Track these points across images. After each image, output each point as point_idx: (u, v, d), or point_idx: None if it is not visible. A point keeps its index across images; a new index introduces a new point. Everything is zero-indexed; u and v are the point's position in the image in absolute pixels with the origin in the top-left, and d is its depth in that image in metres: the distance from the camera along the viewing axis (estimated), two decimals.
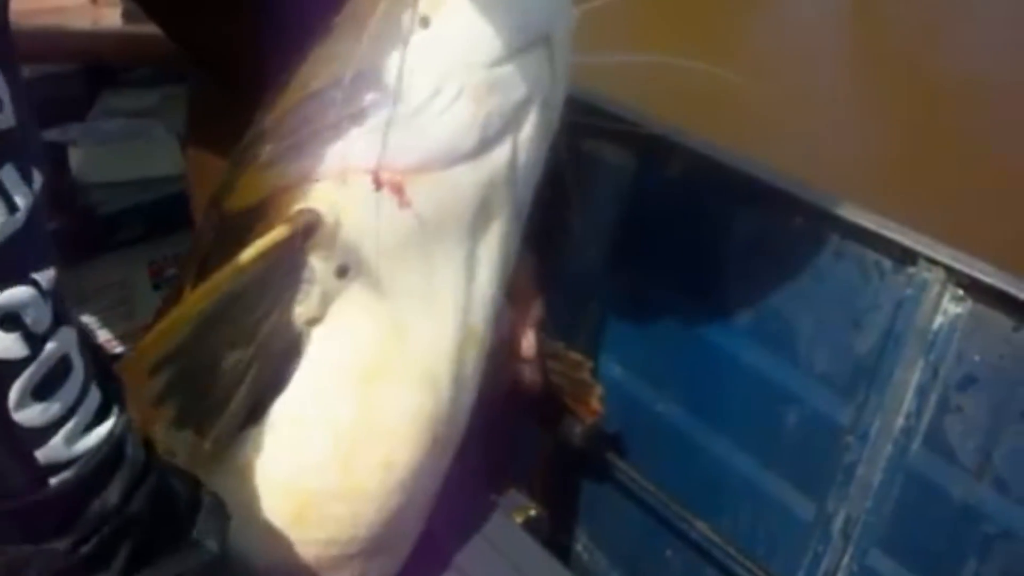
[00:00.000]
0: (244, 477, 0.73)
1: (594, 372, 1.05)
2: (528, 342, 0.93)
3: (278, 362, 0.71)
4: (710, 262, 1.12)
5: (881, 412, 0.96)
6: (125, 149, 1.37)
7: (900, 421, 0.96)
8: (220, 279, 0.68)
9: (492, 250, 0.74)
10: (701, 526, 1.03)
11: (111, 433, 0.55)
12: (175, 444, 0.69)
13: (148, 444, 0.59)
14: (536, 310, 0.93)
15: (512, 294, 0.82)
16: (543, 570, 0.92)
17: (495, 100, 0.68)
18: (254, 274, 0.68)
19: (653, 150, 1.15)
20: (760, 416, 1.08)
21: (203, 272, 0.73)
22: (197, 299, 0.68)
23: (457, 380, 0.77)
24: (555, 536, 1.20)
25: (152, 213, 1.34)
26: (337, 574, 0.78)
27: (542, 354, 0.95)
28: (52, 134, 1.34)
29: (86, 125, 1.40)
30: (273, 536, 0.74)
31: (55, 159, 1.30)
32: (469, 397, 0.79)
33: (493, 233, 0.74)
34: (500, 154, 0.70)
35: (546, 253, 0.93)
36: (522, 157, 0.72)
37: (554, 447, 1.24)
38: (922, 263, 0.93)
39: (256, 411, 0.72)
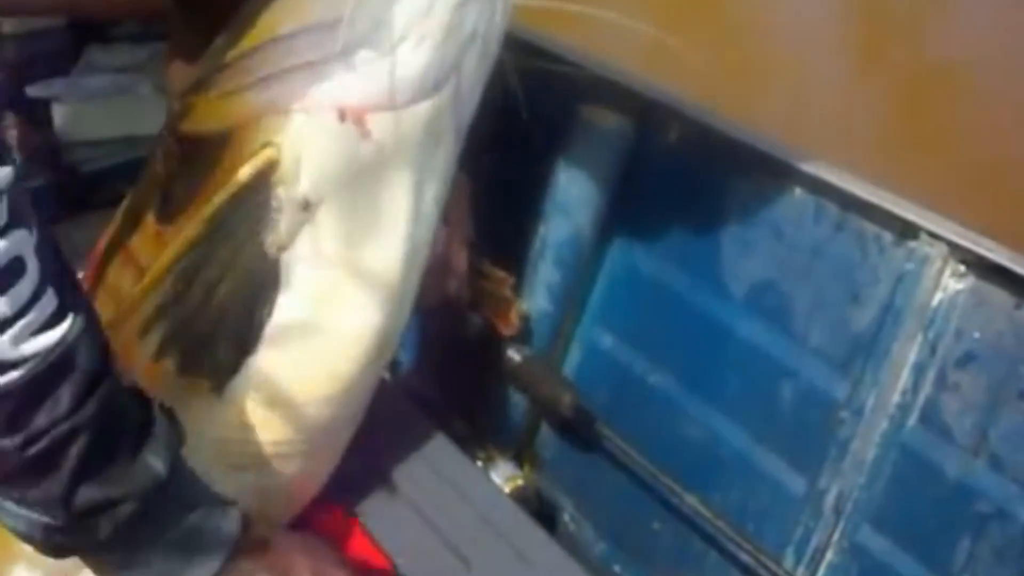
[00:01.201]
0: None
1: (515, 288, 1.12)
2: (459, 258, 1.02)
3: (259, 289, 0.74)
4: (706, 232, 1.10)
5: (877, 388, 0.95)
6: (110, 106, 1.34)
7: (896, 397, 0.94)
8: (192, 228, 0.70)
9: (436, 173, 0.80)
10: (691, 499, 1.02)
11: (63, 339, 0.56)
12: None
13: (107, 356, 0.60)
14: (466, 228, 1.01)
15: (446, 213, 0.86)
16: (530, 540, 0.91)
17: (451, 42, 0.74)
18: (232, 209, 0.71)
19: (651, 117, 1.13)
20: (753, 389, 1.07)
21: (168, 200, 0.75)
22: (173, 251, 0.69)
23: (401, 295, 0.80)
24: (542, 506, 1.19)
25: (138, 171, 1.31)
26: (276, 469, 0.81)
27: (470, 270, 1.03)
28: (36, 89, 1.30)
29: (70, 80, 1.36)
30: (219, 439, 0.77)
31: (39, 115, 1.28)
32: (407, 312, 0.84)
33: (438, 160, 0.79)
34: (447, 89, 0.76)
35: (477, 174, 0.97)
36: (465, 88, 0.78)
37: (542, 417, 1.23)
38: (924, 238, 0.91)
39: (242, 339, 0.75)
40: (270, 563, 0.70)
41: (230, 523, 0.68)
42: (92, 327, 0.59)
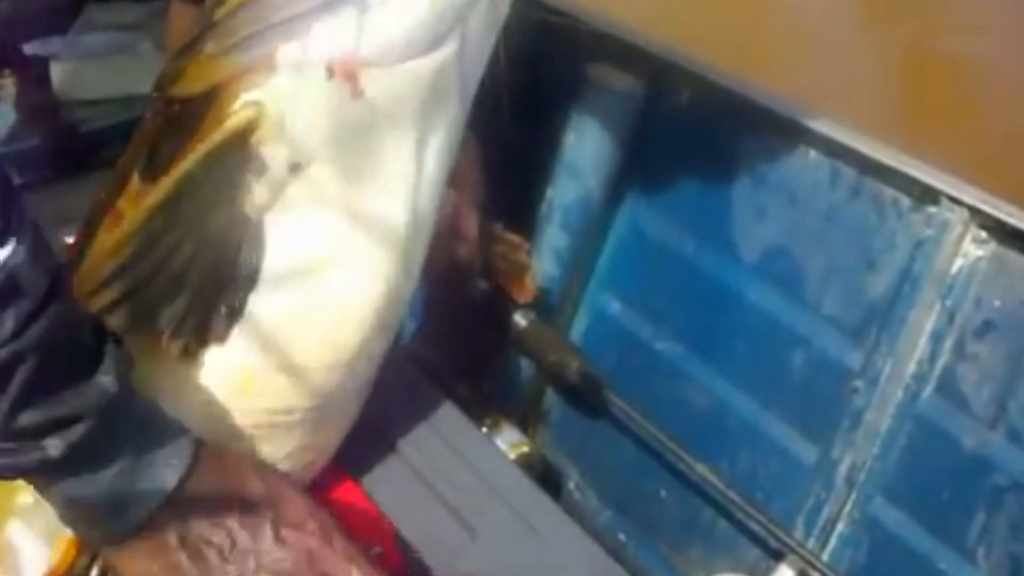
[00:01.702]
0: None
1: (530, 254, 1.07)
2: (468, 222, 0.98)
3: (231, 253, 0.71)
4: (718, 196, 1.08)
5: (892, 357, 0.93)
6: (110, 64, 1.31)
7: (912, 367, 0.92)
8: (167, 183, 0.68)
9: (440, 137, 0.76)
10: (700, 468, 0.99)
11: (4, 263, 0.56)
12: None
13: (57, 286, 0.59)
14: (477, 192, 0.98)
15: (455, 177, 0.83)
16: (536, 507, 0.89)
17: None
18: (204, 171, 0.68)
19: (663, 77, 1.10)
20: (764, 358, 1.05)
21: (153, 160, 0.72)
22: (147, 206, 0.68)
23: (404, 264, 0.77)
24: (547, 474, 1.18)
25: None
26: (277, 441, 0.79)
27: (481, 235, 0.99)
28: (34, 47, 1.28)
29: (69, 39, 1.34)
30: (217, 405, 0.76)
31: (37, 73, 1.25)
32: (413, 279, 0.81)
33: (441, 120, 0.75)
34: (450, 46, 0.72)
35: (488, 137, 0.95)
36: (470, 48, 0.74)
37: (549, 383, 1.21)
38: (944, 202, 0.89)
39: (211, 302, 0.72)
40: (224, 481, 0.69)
41: (185, 441, 0.67)
42: (40, 254, 0.59)
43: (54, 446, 0.60)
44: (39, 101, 1.25)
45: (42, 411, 0.59)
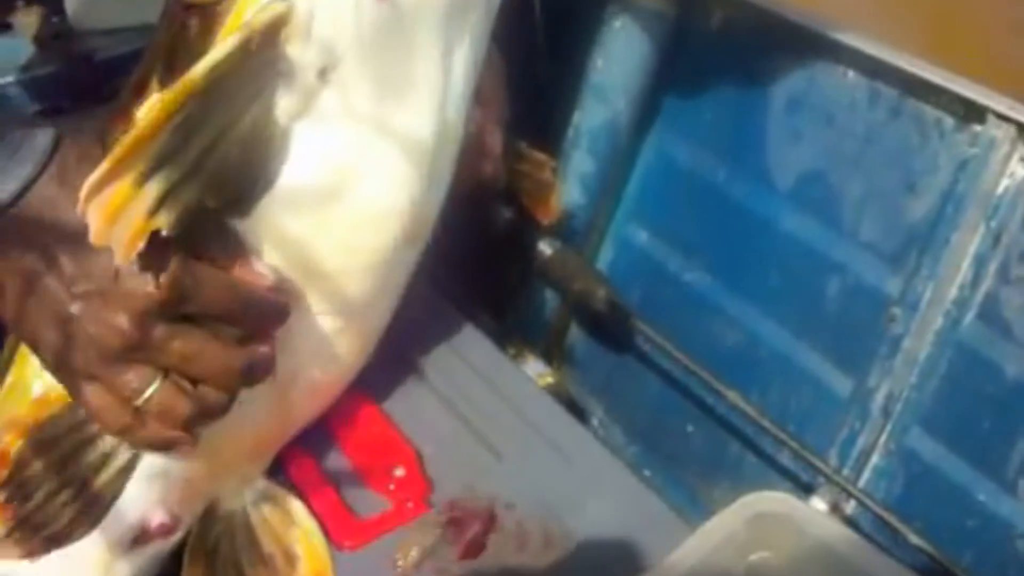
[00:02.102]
0: None
1: (556, 172, 1.02)
2: (493, 139, 0.95)
3: (262, 156, 0.68)
4: (750, 120, 1.04)
5: (933, 282, 0.89)
6: None
7: (953, 292, 0.89)
8: (194, 75, 0.62)
9: (466, 46, 0.73)
10: (731, 395, 0.96)
11: None
12: None
13: None
14: (502, 111, 0.95)
15: (480, 94, 0.81)
16: (564, 431, 0.86)
17: None
18: (233, 67, 0.63)
19: None
20: (797, 287, 1.02)
21: (171, 67, 0.69)
22: (169, 101, 0.62)
23: (431, 178, 0.75)
24: (570, 408, 1.15)
25: None
26: (292, 350, 0.75)
27: (505, 153, 0.96)
28: None
29: None
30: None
31: (51, 1, 1.22)
32: (439, 193, 0.78)
33: (467, 29, 0.73)
34: None
35: (514, 57, 0.92)
36: None
37: (573, 314, 1.18)
38: (991, 120, 0.85)
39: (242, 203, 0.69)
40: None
41: (39, 136, 0.64)
42: None
43: None
44: (54, 29, 1.22)
45: None
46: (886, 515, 0.86)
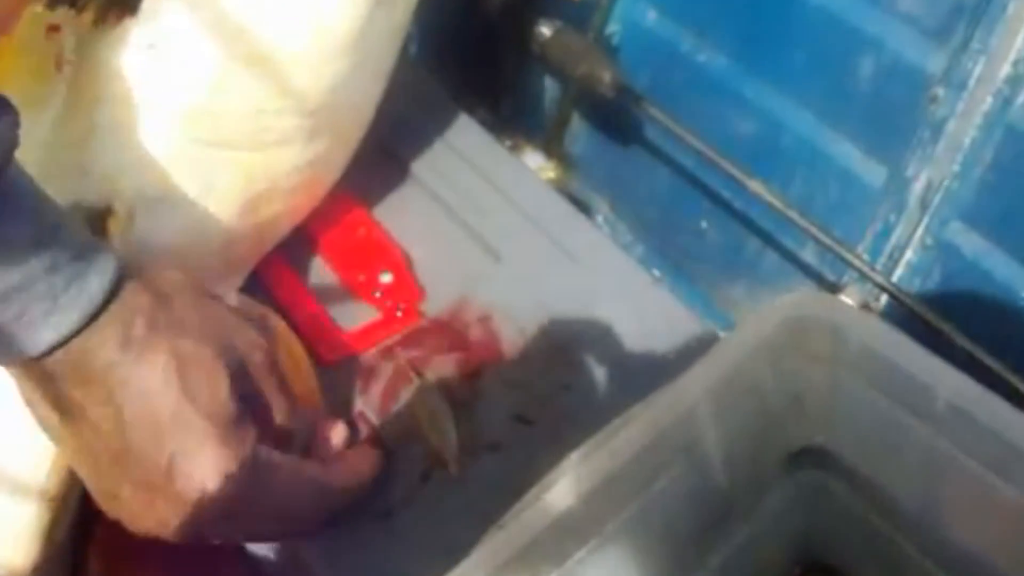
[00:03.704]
0: None
1: None
2: None
3: None
4: None
5: (984, 57, 0.79)
6: None
7: (1006, 68, 0.79)
8: None
9: None
10: (753, 184, 0.87)
11: None
12: None
13: None
14: None
15: None
16: (568, 227, 0.78)
17: None
18: None
19: None
20: (825, 67, 0.91)
21: None
22: None
23: None
24: (573, 204, 1.07)
25: None
26: (271, 155, 0.69)
27: None
28: None
29: None
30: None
31: None
32: None
33: None
34: None
35: None
36: None
37: (577, 101, 1.08)
38: None
39: None
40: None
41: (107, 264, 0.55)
42: None
43: None
44: None
45: None
46: (923, 312, 0.79)
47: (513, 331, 0.73)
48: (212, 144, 0.66)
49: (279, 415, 0.60)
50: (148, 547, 0.82)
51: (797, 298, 0.59)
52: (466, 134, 0.86)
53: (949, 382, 0.55)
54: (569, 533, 0.56)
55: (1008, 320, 0.81)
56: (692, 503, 0.63)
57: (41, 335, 0.52)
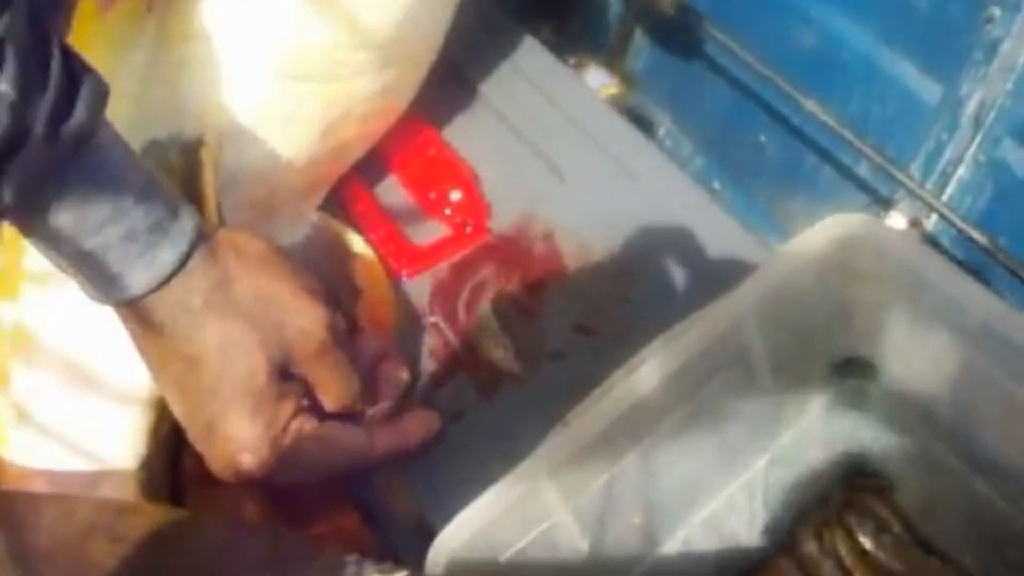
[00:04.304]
0: None
1: None
2: None
3: None
4: None
5: None
6: None
7: None
8: None
9: None
10: (809, 104, 0.89)
11: None
12: None
13: None
14: None
15: None
16: (630, 147, 0.81)
17: None
18: None
19: None
20: None
21: None
22: None
23: None
24: (636, 119, 1.09)
25: None
26: (344, 85, 0.73)
27: None
28: None
29: None
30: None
31: None
32: None
33: None
34: None
35: None
36: None
37: (639, 18, 1.10)
38: None
39: None
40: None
41: (186, 223, 0.60)
42: None
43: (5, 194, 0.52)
44: None
45: None
46: (970, 230, 0.81)
47: (575, 247, 0.77)
48: (294, 76, 0.70)
49: (330, 392, 0.66)
50: None
51: (843, 219, 0.63)
52: (531, 55, 0.89)
53: (982, 302, 0.58)
54: (627, 431, 0.61)
55: None
56: (743, 403, 0.67)
57: (111, 293, 0.59)
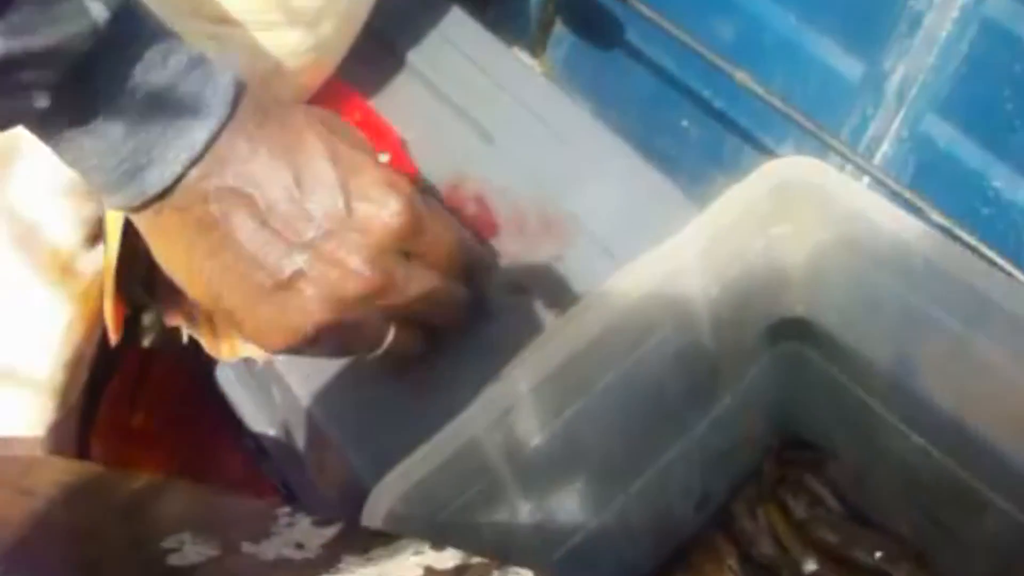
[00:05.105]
0: None
1: None
2: None
3: None
4: None
5: None
6: None
7: None
8: None
9: None
10: (740, 76, 0.89)
11: None
12: None
13: None
14: None
15: None
16: (560, 112, 0.80)
17: None
18: None
19: None
20: None
21: None
22: None
23: None
24: None
25: None
26: (276, 39, 0.70)
27: None
28: None
29: None
30: None
31: None
32: None
33: None
34: None
35: None
36: None
37: (561, 3, 1.10)
38: None
39: None
40: (273, 138, 0.58)
41: (220, 85, 0.56)
42: None
43: (38, 99, 0.48)
44: None
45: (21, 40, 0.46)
46: (902, 190, 0.80)
47: (507, 208, 0.75)
48: (217, 21, 0.67)
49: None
50: (146, 432, 0.85)
51: (784, 163, 0.62)
52: (458, 25, 0.87)
53: (927, 239, 0.58)
54: (564, 386, 0.59)
55: (979, 208, 0.84)
56: (680, 364, 0.66)
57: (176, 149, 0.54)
